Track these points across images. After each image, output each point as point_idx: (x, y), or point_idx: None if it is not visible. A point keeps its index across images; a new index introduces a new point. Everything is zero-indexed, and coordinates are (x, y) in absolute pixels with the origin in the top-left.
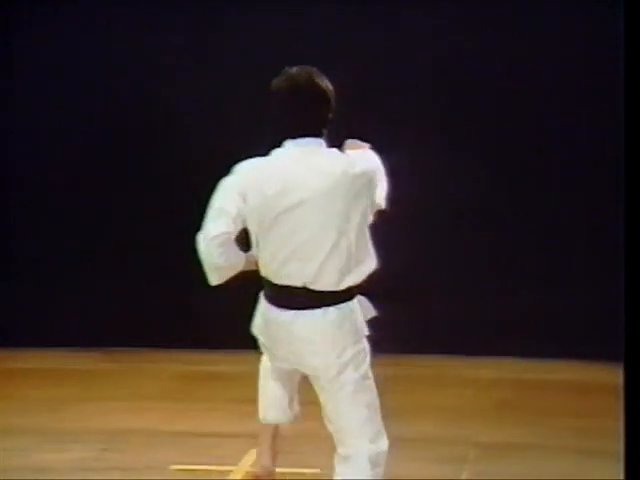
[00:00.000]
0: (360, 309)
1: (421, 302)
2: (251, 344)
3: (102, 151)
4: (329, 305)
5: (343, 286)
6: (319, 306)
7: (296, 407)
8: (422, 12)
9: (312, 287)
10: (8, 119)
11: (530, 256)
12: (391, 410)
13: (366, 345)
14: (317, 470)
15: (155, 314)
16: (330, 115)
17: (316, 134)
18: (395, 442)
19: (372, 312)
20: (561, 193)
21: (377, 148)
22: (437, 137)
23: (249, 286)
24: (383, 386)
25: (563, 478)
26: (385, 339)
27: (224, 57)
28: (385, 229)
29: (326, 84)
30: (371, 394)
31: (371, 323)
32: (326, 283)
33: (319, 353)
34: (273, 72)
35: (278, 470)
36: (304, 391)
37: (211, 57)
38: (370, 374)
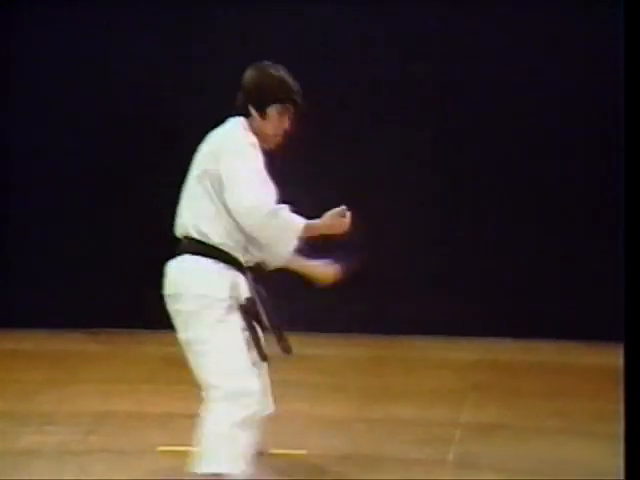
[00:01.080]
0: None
1: (402, 284)
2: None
3: (102, 150)
4: None
5: None
6: None
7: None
8: (422, 12)
9: None
10: (8, 119)
11: (516, 235)
12: (373, 392)
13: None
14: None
15: (141, 295)
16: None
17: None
18: (379, 423)
19: None
20: (561, 175)
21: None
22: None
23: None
24: (365, 368)
25: (547, 458)
26: (366, 321)
27: (224, 57)
28: (378, 216)
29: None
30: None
31: (351, 305)
32: None
33: None
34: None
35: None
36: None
37: (211, 56)
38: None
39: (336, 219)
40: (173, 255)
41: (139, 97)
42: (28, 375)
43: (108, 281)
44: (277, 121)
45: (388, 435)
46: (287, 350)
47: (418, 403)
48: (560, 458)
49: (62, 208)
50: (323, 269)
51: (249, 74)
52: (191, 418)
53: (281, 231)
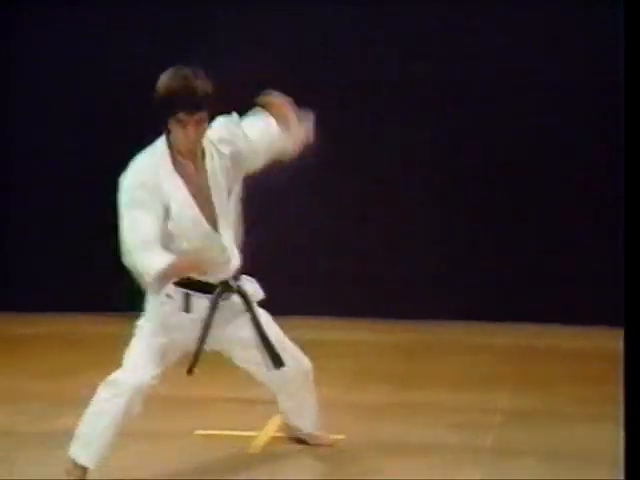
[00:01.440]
0: None
1: (436, 269)
2: (277, 309)
3: (102, 150)
4: None
5: None
6: None
7: None
8: (421, 11)
9: None
10: (8, 119)
11: (546, 223)
12: (409, 377)
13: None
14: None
15: None
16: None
17: None
18: (415, 409)
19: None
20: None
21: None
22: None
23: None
24: (399, 353)
25: (588, 444)
26: (403, 306)
27: (224, 57)
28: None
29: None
30: None
31: (383, 289)
32: None
33: None
34: (274, 71)
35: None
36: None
37: (212, 56)
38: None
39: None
40: None
41: (139, 98)
42: (62, 358)
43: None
44: (179, 133)
45: (425, 420)
46: (278, 364)
47: (455, 388)
48: (601, 444)
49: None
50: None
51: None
52: (228, 402)
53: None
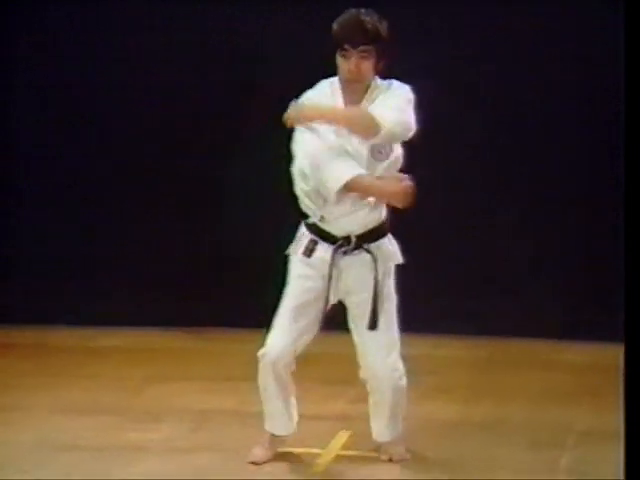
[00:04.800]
0: None
1: (510, 285)
2: (335, 325)
3: (101, 152)
4: None
5: None
6: None
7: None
8: (421, 11)
9: None
10: (7, 118)
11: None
12: (481, 393)
13: None
14: None
15: (241, 292)
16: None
17: None
18: (488, 426)
19: None
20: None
21: None
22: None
23: None
24: (471, 369)
25: None
26: (479, 322)
27: (224, 57)
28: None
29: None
30: None
31: (456, 304)
32: None
33: None
34: (274, 71)
35: None
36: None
37: (212, 56)
38: None
39: (393, 184)
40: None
41: (140, 99)
42: (129, 372)
43: (209, 278)
44: (343, 64)
45: (497, 438)
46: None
47: (529, 406)
48: None
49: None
50: (393, 187)
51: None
52: None
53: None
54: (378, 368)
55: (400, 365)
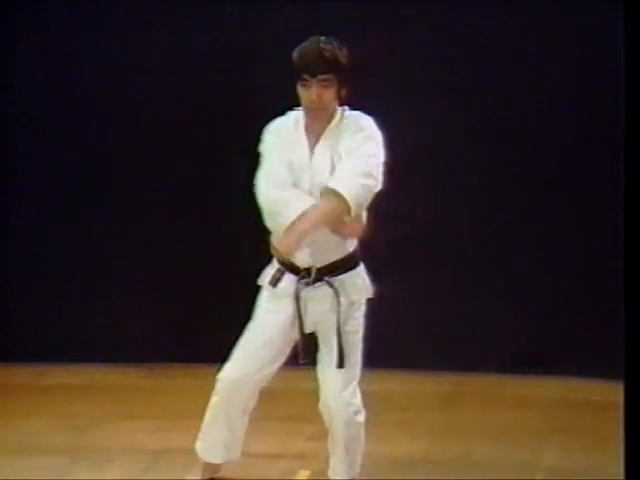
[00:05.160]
0: None
1: (477, 319)
2: (294, 360)
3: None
4: None
5: None
6: None
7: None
8: (420, 11)
9: None
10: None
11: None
12: (445, 431)
13: None
14: None
15: (195, 327)
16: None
17: None
18: (453, 464)
19: None
20: (562, 210)
21: None
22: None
23: None
24: (435, 405)
25: None
26: (441, 356)
27: (223, 57)
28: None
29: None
30: None
31: (427, 340)
32: None
33: None
34: (274, 71)
35: None
36: None
37: (214, 56)
38: None
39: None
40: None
41: (142, 97)
42: (82, 410)
43: (161, 313)
44: (304, 93)
45: (461, 477)
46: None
47: (495, 444)
48: None
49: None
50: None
51: None
52: (250, 457)
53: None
54: (332, 402)
55: (357, 400)
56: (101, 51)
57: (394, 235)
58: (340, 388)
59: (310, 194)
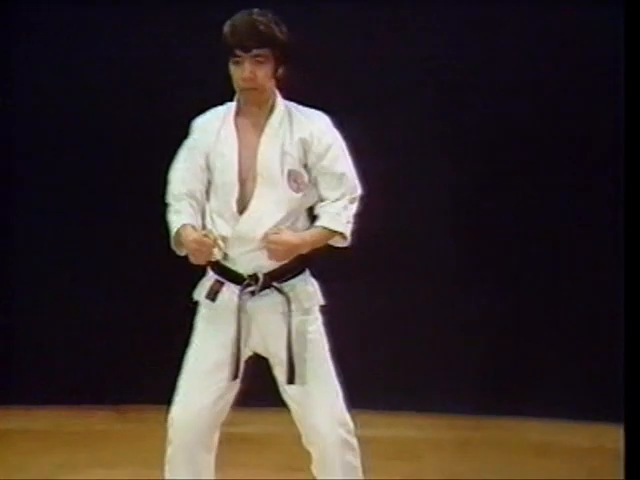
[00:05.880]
0: None
1: (496, 360)
2: (277, 402)
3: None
4: None
5: None
6: None
7: None
8: (419, 11)
9: None
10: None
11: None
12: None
13: None
14: None
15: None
16: None
17: None
18: None
19: None
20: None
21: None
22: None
23: None
24: (450, 452)
25: None
26: (460, 400)
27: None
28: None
29: None
30: None
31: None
32: None
33: None
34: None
35: None
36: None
37: (215, 57)
38: None
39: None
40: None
41: (143, 99)
42: (45, 458)
43: (135, 352)
44: (236, 72)
45: None
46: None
47: None
48: None
49: (80, 272)
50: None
51: None
52: None
53: None
54: (320, 423)
55: (348, 419)
56: (102, 52)
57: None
58: (327, 407)
59: (240, 183)
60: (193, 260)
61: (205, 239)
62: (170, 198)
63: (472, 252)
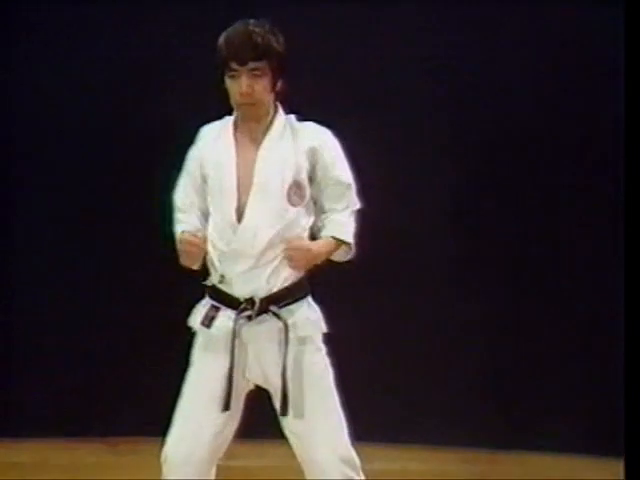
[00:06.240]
0: None
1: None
2: (280, 434)
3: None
4: None
5: None
6: None
7: None
8: (419, 11)
9: None
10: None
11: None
12: None
13: None
14: None
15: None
16: None
17: None
18: None
19: None
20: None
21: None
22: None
23: None
24: None
25: None
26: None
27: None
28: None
29: None
30: None
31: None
32: None
33: None
34: None
35: None
36: None
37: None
38: None
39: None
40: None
41: (143, 98)
42: None
43: (128, 383)
44: (233, 86)
45: None
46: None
47: None
48: None
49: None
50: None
51: None
52: None
53: None
54: (322, 460)
55: (353, 455)
56: (102, 52)
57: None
58: (330, 442)
59: (238, 194)
60: (182, 262)
61: (192, 238)
62: (176, 212)
63: (472, 252)
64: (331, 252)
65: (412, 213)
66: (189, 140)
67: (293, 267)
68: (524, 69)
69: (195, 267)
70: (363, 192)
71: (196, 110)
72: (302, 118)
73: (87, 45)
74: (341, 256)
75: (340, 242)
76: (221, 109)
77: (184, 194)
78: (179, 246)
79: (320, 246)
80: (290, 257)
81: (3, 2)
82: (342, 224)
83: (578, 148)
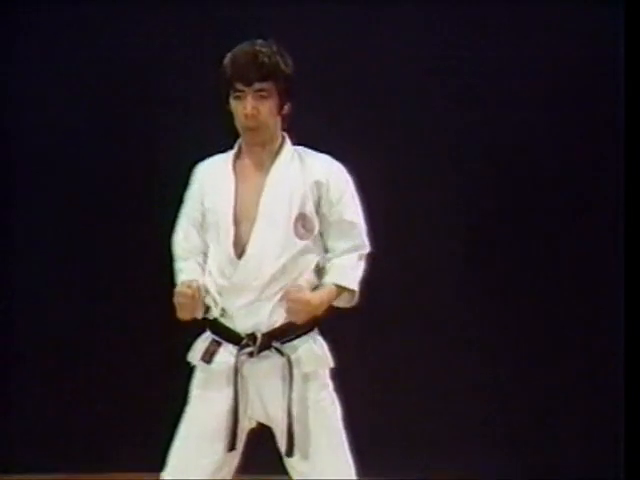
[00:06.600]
0: None
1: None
2: (282, 469)
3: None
4: None
5: None
6: None
7: None
8: (419, 11)
9: None
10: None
11: None
12: None
13: None
14: None
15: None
16: None
17: None
18: None
19: None
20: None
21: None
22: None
23: None
24: None
25: None
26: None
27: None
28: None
29: None
30: None
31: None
32: None
33: None
34: None
35: None
36: None
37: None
38: None
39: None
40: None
41: (144, 99)
42: None
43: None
44: (238, 108)
45: None
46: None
47: None
48: None
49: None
50: None
51: None
52: None
53: None
54: None
55: None
56: (102, 53)
57: None
58: (337, 477)
59: (235, 224)
60: (178, 315)
61: (185, 289)
62: (176, 259)
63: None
64: (333, 300)
65: (412, 213)
66: (189, 140)
67: (292, 320)
68: (524, 69)
69: (198, 316)
70: (363, 192)
71: (196, 110)
72: (302, 103)
73: (87, 45)
74: (345, 302)
75: (343, 289)
76: (221, 109)
77: (184, 239)
78: (174, 299)
79: (321, 296)
80: (288, 309)
81: (3, 2)
82: (345, 269)
83: (578, 148)
